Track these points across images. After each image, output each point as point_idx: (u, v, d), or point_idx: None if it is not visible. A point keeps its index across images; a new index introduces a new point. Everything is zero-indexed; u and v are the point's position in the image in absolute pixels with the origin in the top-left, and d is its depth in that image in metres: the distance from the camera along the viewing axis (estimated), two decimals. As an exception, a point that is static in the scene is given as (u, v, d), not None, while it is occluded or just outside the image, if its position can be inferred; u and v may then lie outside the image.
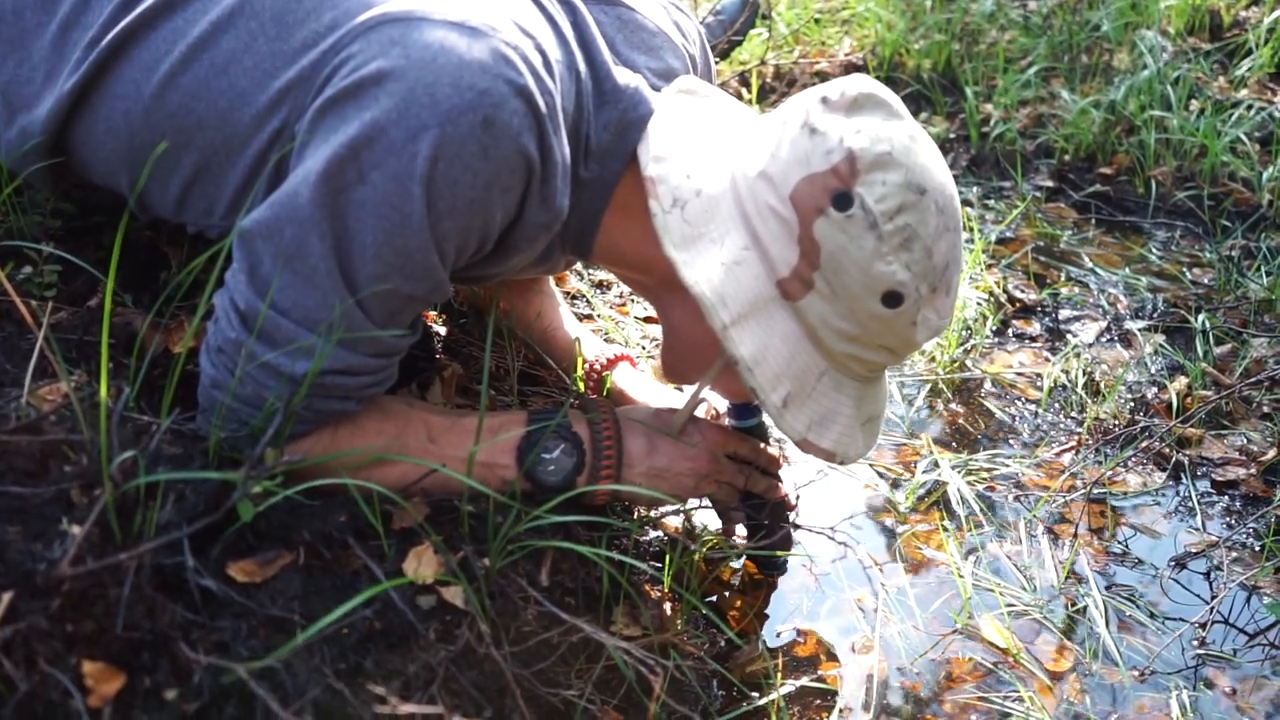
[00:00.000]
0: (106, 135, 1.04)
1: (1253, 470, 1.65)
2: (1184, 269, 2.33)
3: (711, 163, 1.03)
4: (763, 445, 1.30)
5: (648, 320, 1.90)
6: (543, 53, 0.96)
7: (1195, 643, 1.34)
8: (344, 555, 0.97)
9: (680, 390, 1.51)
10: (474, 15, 0.93)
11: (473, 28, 0.91)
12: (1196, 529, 1.56)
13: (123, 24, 1.01)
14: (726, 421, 1.31)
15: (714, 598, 1.35)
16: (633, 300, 1.95)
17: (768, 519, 1.31)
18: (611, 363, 1.46)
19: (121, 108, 1.02)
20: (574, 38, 1.04)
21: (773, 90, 3.16)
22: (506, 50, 0.91)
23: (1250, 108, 2.70)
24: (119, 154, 1.05)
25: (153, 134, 1.02)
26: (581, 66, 1.03)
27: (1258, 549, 1.51)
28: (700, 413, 1.34)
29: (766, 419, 1.34)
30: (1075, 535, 1.52)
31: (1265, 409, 1.80)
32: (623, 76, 1.06)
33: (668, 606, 1.26)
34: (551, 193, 1.00)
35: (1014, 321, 2.12)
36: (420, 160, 0.88)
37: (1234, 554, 1.49)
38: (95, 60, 1.01)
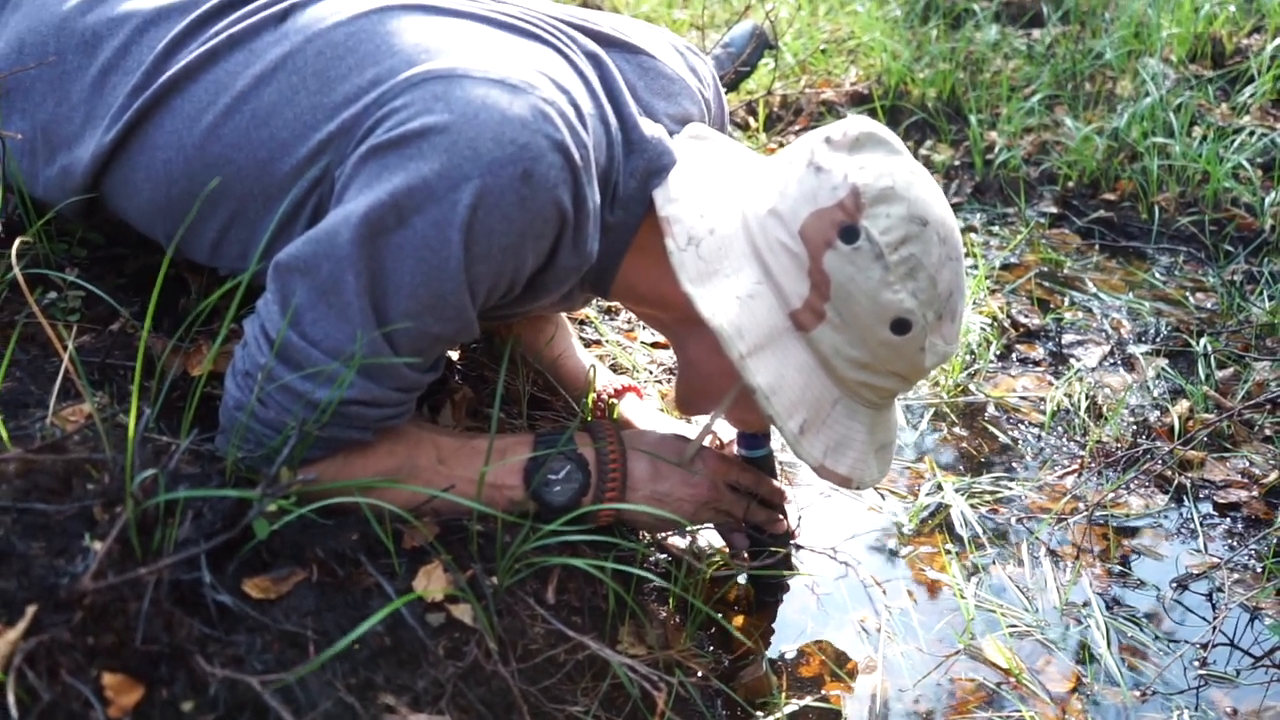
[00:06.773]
0: (145, 183, 1.08)
1: (1254, 492, 1.66)
2: (1187, 293, 2.34)
3: (722, 203, 1.07)
4: (769, 478, 1.32)
5: (654, 345, 1.92)
6: (577, 107, 1.00)
7: (1197, 664, 1.35)
8: (356, 573, 0.99)
9: (690, 421, 1.53)
10: (513, 73, 0.97)
11: (513, 85, 0.96)
12: (1198, 551, 1.57)
13: (166, 75, 1.04)
14: (735, 451, 1.34)
15: (718, 616, 1.37)
16: (640, 326, 1.98)
17: (768, 543, 1.33)
18: (619, 393, 1.49)
19: (162, 157, 1.06)
20: (602, 90, 1.08)
21: (779, 119, 3.20)
22: (545, 107, 0.95)
23: (1252, 134, 2.72)
24: (156, 202, 1.09)
25: (191, 183, 1.05)
26: (611, 118, 1.07)
27: (1259, 571, 1.51)
28: (705, 442, 1.36)
29: (776, 448, 1.36)
30: (1078, 557, 1.53)
31: (1267, 432, 1.81)
32: (648, 128, 1.10)
33: (673, 624, 1.28)
34: (584, 239, 1.04)
35: (1018, 346, 2.14)
36: (461, 208, 0.92)
37: (1235, 575, 1.50)
38: (138, 109, 1.05)
